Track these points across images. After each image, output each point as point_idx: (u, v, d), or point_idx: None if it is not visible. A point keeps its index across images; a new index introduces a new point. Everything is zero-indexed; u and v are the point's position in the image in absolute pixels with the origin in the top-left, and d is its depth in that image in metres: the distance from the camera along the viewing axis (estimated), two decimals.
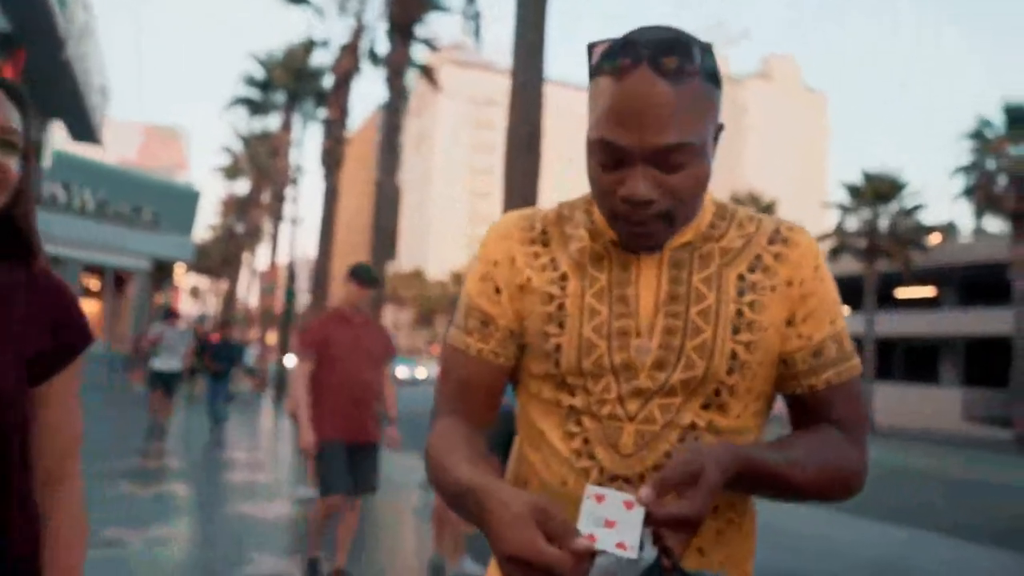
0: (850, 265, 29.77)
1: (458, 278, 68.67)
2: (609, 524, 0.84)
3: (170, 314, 10.18)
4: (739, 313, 1.04)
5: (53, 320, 1.14)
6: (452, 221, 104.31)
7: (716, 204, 1.12)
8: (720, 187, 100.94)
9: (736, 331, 1.03)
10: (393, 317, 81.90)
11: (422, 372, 43.92)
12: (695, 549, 1.03)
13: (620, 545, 0.83)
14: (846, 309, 33.55)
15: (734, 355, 1.03)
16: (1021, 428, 22.56)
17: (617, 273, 1.07)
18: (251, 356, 23.05)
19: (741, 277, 1.06)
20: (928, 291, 34.16)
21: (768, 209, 35.33)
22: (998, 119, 23.95)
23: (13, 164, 1.09)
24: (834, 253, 29.37)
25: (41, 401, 1.13)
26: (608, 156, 0.98)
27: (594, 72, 1.00)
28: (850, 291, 31.31)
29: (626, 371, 1.03)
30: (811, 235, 1.12)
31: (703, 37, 1.03)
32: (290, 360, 8.03)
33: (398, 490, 7.61)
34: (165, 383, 9.74)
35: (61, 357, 1.14)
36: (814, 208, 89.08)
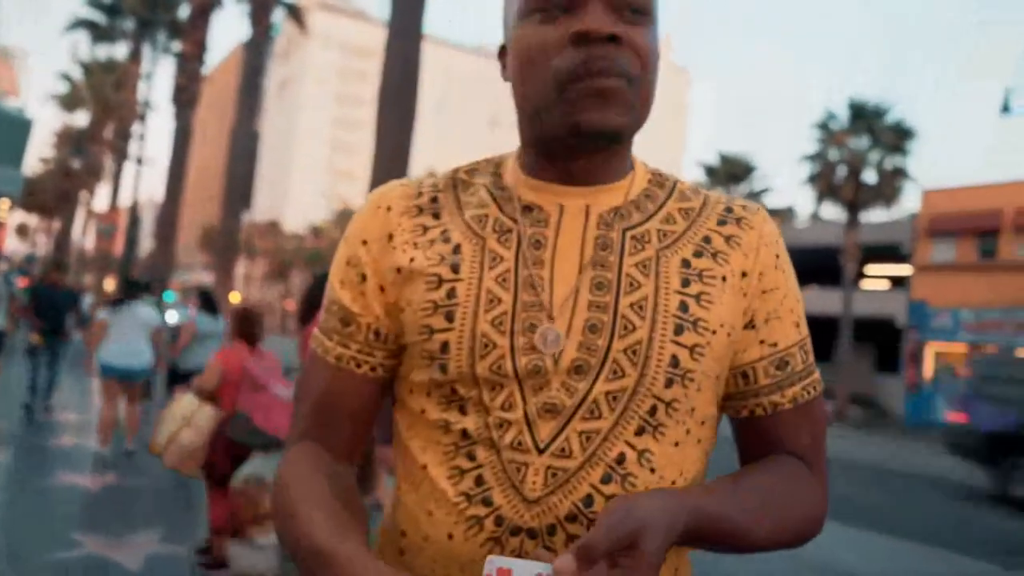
0: None
1: (317, 232, 66.51)
2: None
3: None
4: (683, 307, 0.82)
5: None
6: (313, 173, 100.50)
7: (651, 171, 0.95)
8: None
9: (679, 330, 0.81)
10: (246, 270, 78.58)
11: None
12: None
13: None
14: None
15: (675, 361, 0.80)
16: (839, 402, 24.60)
17: (527, 251, 0.84)
18: (86, 304, 21.28)
19: (686, 263, 0.85)
20: None
21: None
22: (844, 113, 25.56)
23: None
24: None
25: None
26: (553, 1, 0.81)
27: None
28: None
29: (534, 378, 0.80)
30: (768, 215, 0.93)
31: None
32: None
33: None
34: None
35: None
36: None
